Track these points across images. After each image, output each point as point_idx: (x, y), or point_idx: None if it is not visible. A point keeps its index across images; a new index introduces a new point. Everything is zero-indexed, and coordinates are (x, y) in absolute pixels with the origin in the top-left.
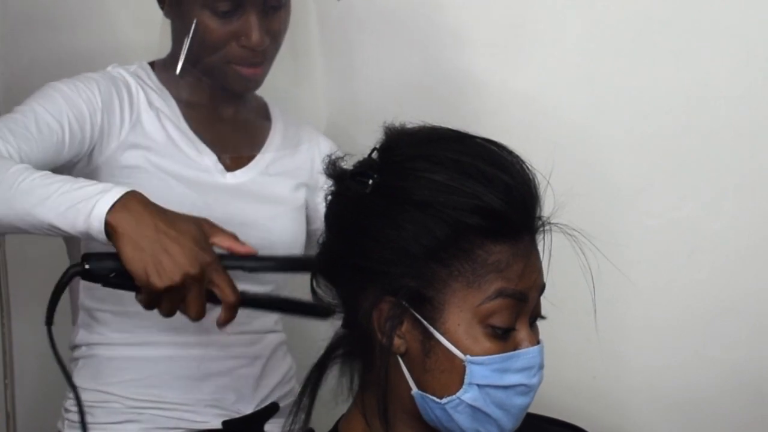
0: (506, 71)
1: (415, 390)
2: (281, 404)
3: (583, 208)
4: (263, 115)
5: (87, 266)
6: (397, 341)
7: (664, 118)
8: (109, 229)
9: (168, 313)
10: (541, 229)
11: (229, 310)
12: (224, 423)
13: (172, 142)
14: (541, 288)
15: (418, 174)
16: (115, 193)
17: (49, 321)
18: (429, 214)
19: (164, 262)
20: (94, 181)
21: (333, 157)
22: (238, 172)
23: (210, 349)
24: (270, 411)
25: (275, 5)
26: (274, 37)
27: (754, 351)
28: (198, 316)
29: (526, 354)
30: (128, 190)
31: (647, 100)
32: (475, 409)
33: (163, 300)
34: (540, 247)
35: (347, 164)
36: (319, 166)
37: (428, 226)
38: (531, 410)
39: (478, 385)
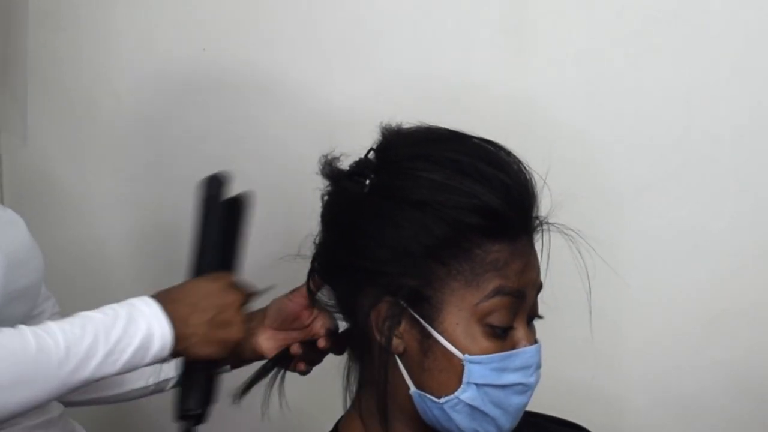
0: (505, 71)
1: (413, 389)
2: None
3: (583, 208)
4: None
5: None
6: (395, 341)
7: (664, 118)
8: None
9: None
10: (539, 228)
11: None
12: None
13: None
14: (539, 287)
15: (416, 173)
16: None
17: None
18: (428, 213)
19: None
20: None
21: (329, 157)
22: None
23: None
24: None
25: None
26: None
27: (754, 351)
28: None
29: (524, 353)
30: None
31: (647, 100)
32: (473, 409)
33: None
34: (538, 248)
35: (343, 164)
36: None
37: (427, 225)
38: (531, 409)
39: (476, 385)
